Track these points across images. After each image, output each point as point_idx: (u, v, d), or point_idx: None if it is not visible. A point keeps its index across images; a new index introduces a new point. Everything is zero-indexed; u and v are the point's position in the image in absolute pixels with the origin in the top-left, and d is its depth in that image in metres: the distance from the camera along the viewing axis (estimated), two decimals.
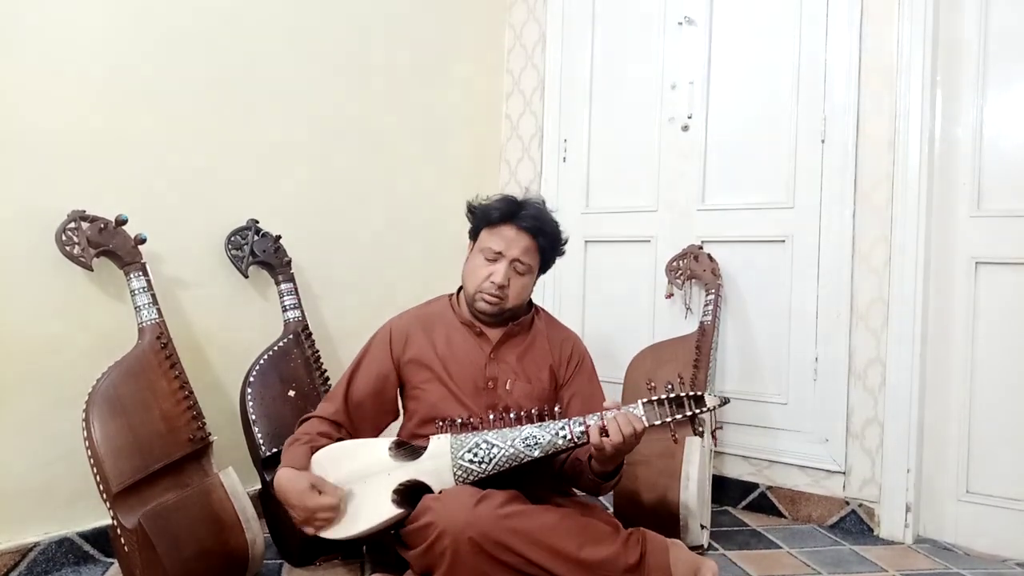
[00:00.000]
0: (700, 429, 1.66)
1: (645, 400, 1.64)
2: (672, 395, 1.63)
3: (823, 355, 2.52)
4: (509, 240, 1.85)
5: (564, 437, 1.63)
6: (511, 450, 1.64)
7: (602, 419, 1.63)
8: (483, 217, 1.89)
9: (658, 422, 1.62)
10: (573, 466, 1.82)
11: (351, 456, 1.73)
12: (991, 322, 2.28)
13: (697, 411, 1.62)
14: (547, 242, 1.90)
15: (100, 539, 1.99)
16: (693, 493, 2.15)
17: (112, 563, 1.97)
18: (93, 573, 1.94)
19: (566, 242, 1.96)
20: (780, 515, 2.57)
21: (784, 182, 2.61)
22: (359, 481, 1.69)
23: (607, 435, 1.60)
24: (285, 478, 1.68)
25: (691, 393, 1.63)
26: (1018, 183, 2.25)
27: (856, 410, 2.46)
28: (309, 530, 1.67)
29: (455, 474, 1.65)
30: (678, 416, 1.62)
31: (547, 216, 1.91)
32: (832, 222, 2.51)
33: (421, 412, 1.85)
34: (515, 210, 1.86)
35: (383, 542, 1.79)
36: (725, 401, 1.66)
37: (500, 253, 1.84)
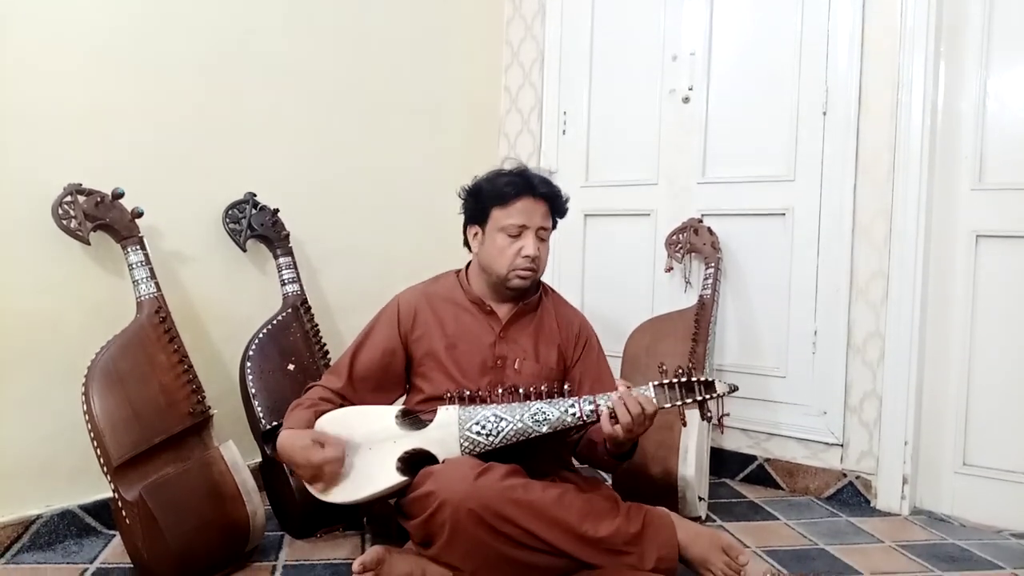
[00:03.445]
0: (709, 415, 1.68)
1: (656, 383, 1.64)
2: (683, 379, 1.63)
3: (822, 328, 2.53)
4: (530, 211, 1.82)
5: (573, 414, 1.64)
6: (519, 424, 1.64)
7: (610, 401, 1.63)
8: (496, 197, 1.83)
9: (668, 405, 1.62)
10: (588, 447, 1.83)
11: (357, 422, 1.74)
12: (991, 296, 2.28)
13: (707, 396, 1.63)
14: (557, 204, 1.89)
15: (102, 512, 2.00)
16: (692, 465, 2.16)
17: (114, 535, 1.98)
18: (95, 545, 1.95)
19: (568, 199, 1.94)
20: (778, 487, 2.59)
21: (785, 155, 2.59)
22: (364, 447, 1.70)
23: (616, 419, 1.61)
24: (287, 437, 1.69)
25: (702, 379, 1.63)
26: (1021, 156, 2.23)
27: (854, 383, 2.46)
28: (317, 487, 1.68)
29: (462, 445, 1.65)
30: (688, 400, 1.62)
31: (549, 178, 1.90)
32: (833, 195, 2.49)
33: (427, 389, 1.85)
34: (526, 181, 1.83)
35: (384, 513, 1.81)
36: (734, 388, 1.66)
37: (524, 226, 1.81)
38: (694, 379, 1.64)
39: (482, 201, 1.86)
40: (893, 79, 2.37)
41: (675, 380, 1.64)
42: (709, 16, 2.73)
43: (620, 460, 1.78)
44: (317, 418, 1.75)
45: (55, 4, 1.91)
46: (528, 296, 1.92)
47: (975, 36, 2.29)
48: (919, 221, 2.32)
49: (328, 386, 1.84)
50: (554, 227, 1.92)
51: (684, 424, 1.68)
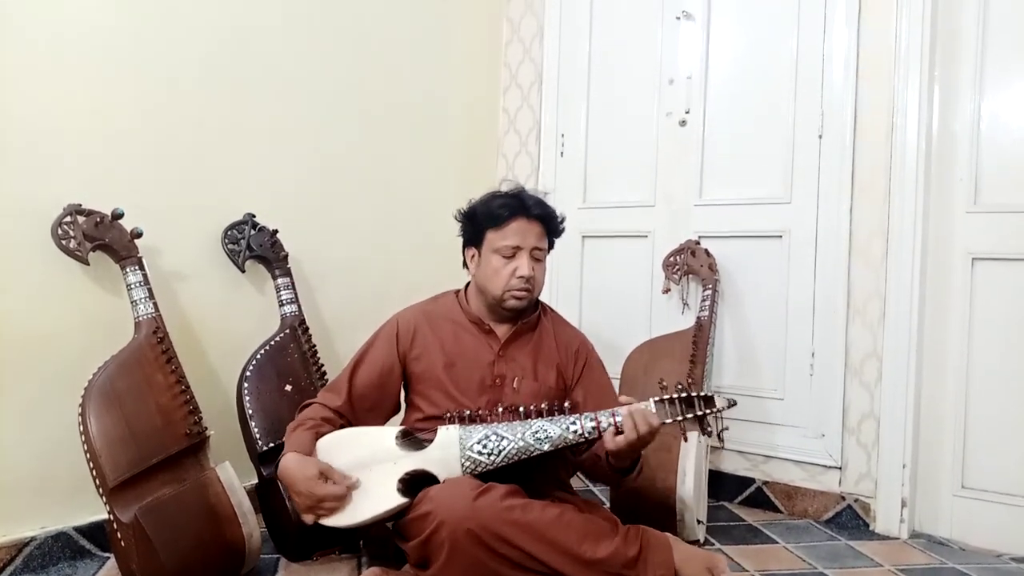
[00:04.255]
0: (709, 429, 1.68)
1: (656, 399, 1.65)
2: (683, 395, 1.64)
3: (820, 350, 2.53)
4: (524, 232, 1.84)
5: (574, 432, 1.64)
6: (521, 443, 1.64)
7: (613, 416, 1.63)
8: (490, 219, 1.85)
9: (669, 421, 1.63)
10: (592, 460, 1.82)
11: (357, 443, 1.73)
12: (987, 317, 2.28)
13: (707, 411, 1.64)
14: (552, 226, 1.90)
15: (96, 534, 1.99)
16: (690, 487, 2.15)
17: (108, 558, 1.96)
18: (89, 568, 1.93)
19: (564, 219, 1.95)
20: (776, 510, 2.57)
21: (781, 177, 2.61)
22: (364, 468, 1.69)
23: (621, 433, 1.61)
24: (292, 463, 1.67)
25: (702, 394, 1.65)
26: (1015, 178, 2.25)
27: (852, 405, 2.46)
28: (309, 518, 1.66)
29: (463, 465, 1.64)
30: (688, 416, 1.63)
31: (544, 199, 1.92)
32: (829, 217, 2.51)
33: (425, 407, 1.85)
34: (520, 203, 1.85)
35: (381, 536, 1.79)
36: (733, 403, 1.67)
37: (518, 247, 1.83)
38: (694, 394, 1.64)
39: (477, 223, 1.88)
40: (888, 102, 2.39)
41: (675, 396, 1.64)
42: (705, 40, 2.76)
43: (623, 475, 1.77)
44: (318, 439, 1.74)
45: (53, 23, 1.92)
46: (526, 315, 1.93)
47: (969, 59, 2.31)
48: (915, 243, 2.33)
49: (327, 404, 1.84)
50: (550, 247, 1.94)
51: (685, 439, 1.70)
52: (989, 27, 2.28)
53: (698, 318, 2.53)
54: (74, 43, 1.97)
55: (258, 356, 2.16)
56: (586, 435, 1.64)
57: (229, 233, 2.28)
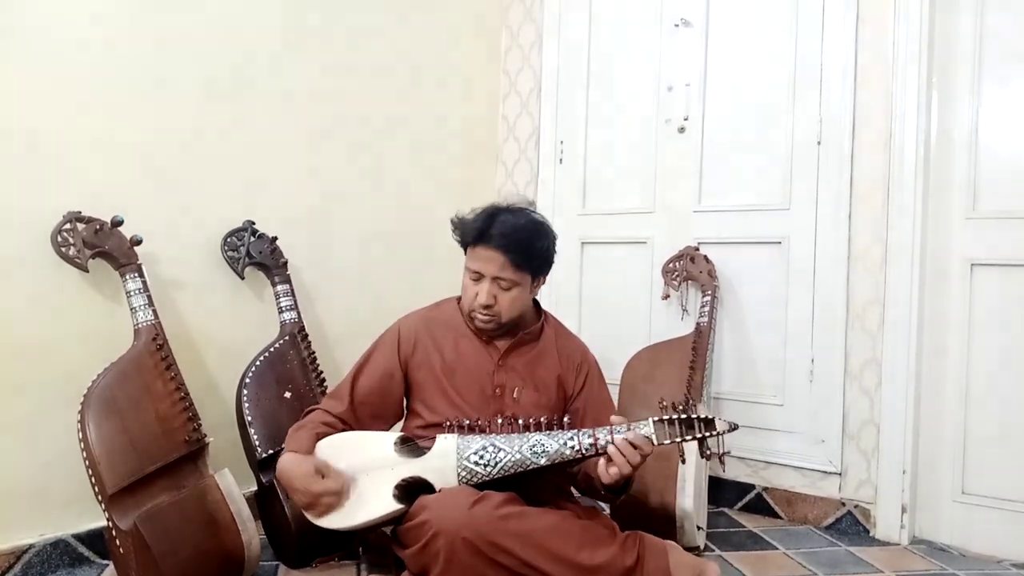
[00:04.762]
0: (709, 451, 1.67)
1: (656, 419, 1.63)
2: (683, 416, 1.63)
3: (819, 356, 2.53)
4: (485, 260, 1.79)
5: (572, 447, 1.63)
6: (517, 456, 1.64)
7: (612, 434, 1.62)
8: (461, 238, 1.86)
9: (667, 442, 1.62)
10: (585, 481, 1.81)
11: (356, 447, 1.73)
12: (986, 323, 2.28)
13: (707, 434, 1.62)
14: (521, 257, 1.78)
15: (95, 541, 1.99)
16: (690, 495, 2.15)
17: (107, 565, 1.96)
18: (88, 575, 1.93)
19: (548, 248, 1.86)
20: (776, 516, 2.57)
21: (780, 184, 2.61)
22: (362, 473, 1.69)
23: (611, 463, 1.60)
24: (289, 461, 1.68)
25: (702, 415, 1.63)
26: (1013, 185, 2.25)
27: (852, 411, 2.46)
28: (311, 514, 1.66)
29: (459, 475, 1.64)
30: (687, 437, 1.62)
31: (521, 226, 1.81)
32: (828, 224, 2.51)
33: (426, 415, 1.85)
34: (485, 228, 1.79)
35: (380, 543, 1.79)
36: (734, 427, 1.65)
37: (479, 273, 1.81)
38: (694, 416, 1.63)
39: (459, 238, 1.88)
40: (886, 109, 2.40)
41: (675, 416, 1.63)
42: (704, 47, 2.77)
43: (616, 495, 1.77)
44: (318, 441, 1.74)
45: (55, 32, 1.93)
46: (528, 326, 1.92)
47: (966, 66, 2.32)
48: (914, 249, 2.34)
49: (329, 410, 1.83)
50: (537, 273, 1.86)
51: (683, 461, 1.68)
52: (986, 34, 2.29)
53: (697, 324, 2.53)
54: (74, 49, 1.97)
55: (257, 363, 2.16)
56: (583, 452, 1.63)
57: (228, 240, 2.29)
